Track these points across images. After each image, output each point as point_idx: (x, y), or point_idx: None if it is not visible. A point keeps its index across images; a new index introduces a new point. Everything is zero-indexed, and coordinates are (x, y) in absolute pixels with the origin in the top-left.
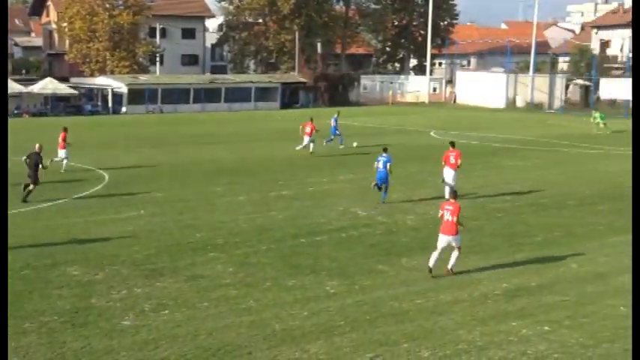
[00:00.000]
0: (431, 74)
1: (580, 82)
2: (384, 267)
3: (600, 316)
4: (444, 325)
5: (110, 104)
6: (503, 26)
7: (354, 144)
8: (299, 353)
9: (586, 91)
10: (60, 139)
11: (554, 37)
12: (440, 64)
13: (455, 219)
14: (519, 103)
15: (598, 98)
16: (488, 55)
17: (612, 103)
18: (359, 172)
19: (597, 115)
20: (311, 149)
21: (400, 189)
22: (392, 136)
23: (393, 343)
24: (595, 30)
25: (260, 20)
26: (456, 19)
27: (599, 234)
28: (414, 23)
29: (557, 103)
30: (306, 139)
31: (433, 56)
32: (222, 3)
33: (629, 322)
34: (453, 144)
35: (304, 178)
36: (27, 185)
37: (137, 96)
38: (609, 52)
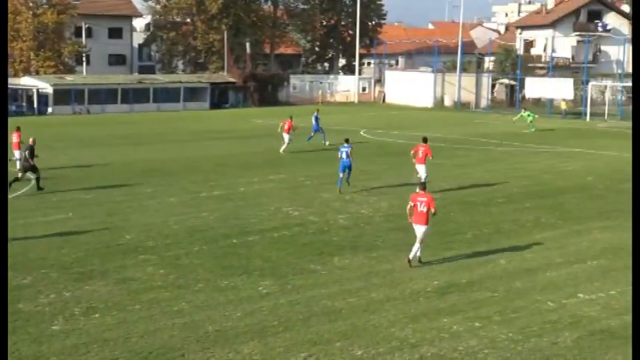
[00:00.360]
0: (360, 74)
1: (505, 81)
2: (317, 266)
3: (529, 311)
4: (377, 323)
5: (35, 105)
6: (430, 26)
7: (326, 143)
8: (232, 354)
9: (511, 90)
10: (15, 139)
11: (480, 37)
12: (368, 63)
13: (429, 209)
14: (447, 102)
15: (523, 97)
16: (416, 55)
17: (537, 101)
18: (290, 172)
19: (526, 114)
20: (282, 148)
21: (331, 188)
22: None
23: (326, 342)
24: (519, 30)
25: (188, 20)
26: (384, 19)
27: (527, 230)
28: (343, 23)
29: (483, 102)
30: (286, 136)
31: (362, 56)
32: (149, 2)
33: (557, 316)
34: (425, 140)
35: (235, 178)
36: (19, 178)
37: (63, 96)
38: (533, 51)
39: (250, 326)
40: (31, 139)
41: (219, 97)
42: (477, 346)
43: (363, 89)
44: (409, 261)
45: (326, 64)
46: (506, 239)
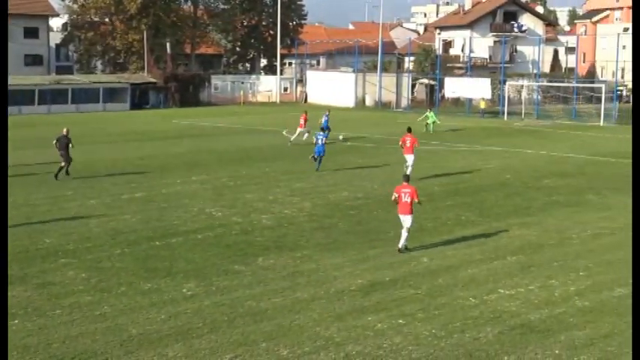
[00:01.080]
0: (281, 74)
1: (425, 81)
2: (241, 267)
3: (451, 308)
4: (302, 323)
5: None
6: (351, 27)
7: (340, 137)
8: (157, 357)
9: (431, 89)
10: None
11: (400, 37)
12: (290, 63)
13: (412, 200)
14: (368, 102)
15: (443, 96)
16: (337, 55)
17: (456, 101)
18: (212, 173)
19: (430, 114)
20: (292, 139)
21: (254, 188)
22: (245, 135)
23: (251, 343)
24: (438, 31)
25: (106, 19)
26: (305, 19)
27: (448, 228)
28: (264, 23)
29: (404, 102)
30: (300, 130)
31: (283, 56)
32: (66, 2)
33: (478, 311)
34: (409, 129)
35: (157, 179)
36: (62, 166)
37: None
38: (452, 52)
39: (175, 329)
40: (64, 130)
41: (140, 97)
42: (401, 343)
43: (285, 89)
44: (399, 250)
45: (247, 65)
46: (428, 237)
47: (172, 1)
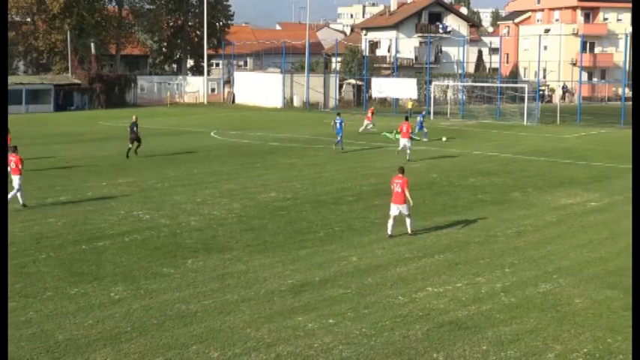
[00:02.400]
0: (208, 75)
1: (352, 81)
2: (170, 269)
3: (380, 306)
4: (232, 325)
5: None
6: (278, 27)
7: (443, 138)
8: None
9: (358, 90)
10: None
11: (327, 38)
12: (217, 64)
13: (404, 190)
14: (296, 102)
15: (370, 97)
16: (265, 56)
17: (383, 101)
18: (139, 175)
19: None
20: (362, 128)
21: (183, 190)
22: (172, 137)
23: (181, 346)
24: (364, 31)
25: (28, 19)
26: (231, 19)
27: (376, 227)
28: (190, 24)
29: (332, 102)
30: (366, 122)
31: (210, 57)
32: None
33: (407, 310)
34: (406, 118)
35: (83, 182)
36: (130, 147)
37: None
38: (378, 52)
39: (103, 333)
40: (134, 117)
41: (64, 99)
42: (331, 343)
43: (212, 90)
44: (391, 236)
45: (174, 65)
46: (357, 236)
47: (96, 1)
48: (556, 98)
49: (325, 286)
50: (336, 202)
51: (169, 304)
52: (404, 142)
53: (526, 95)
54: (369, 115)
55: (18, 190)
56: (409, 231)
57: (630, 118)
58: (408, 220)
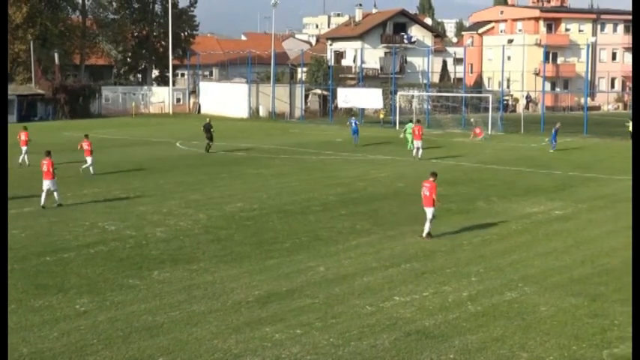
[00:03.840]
0: (174, 85)
1: (318, 91)
2: (136, 281)
3: (348, 316)
4: (199, 336)
5: None
6: (243, 37)
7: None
8: None
9: (324, 100)
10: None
11: (292, 48)
12: (182, 74)
13: (431, 194)
14: (262, 112)
15: (336, 107)
16: (230, 66)
17: (349, 111)
18: (104, 186)
19: (410, 126)
20: (418, 153)
21: (148, 201)
22: (138, 147)
23: (148, 358)
24: (329, 42)
25: None
26: (196, 30)
27: (343, 237)
28: (155, 34)
29: (298, 112)
30: (413, 140)
31: (175, 67)
32: None
33: (375, 319)
34: (418, 121)
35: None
36: (208, 145)
37: None
38: (344, 62)
39: (68, 346)
40: (207, 119)
41: (27, 109)
42: (299, 353)
43: (178, 100)
44: (426, 235)
45: (139, 76)
46: (324, 246)
47: (60, 11)
48: (520, 108)
49: (292, 296)
50: (302, 212)
51: (135, 315)
52: (417, 143)
53: (490, 105)
54: (417, 132)
55: (55, 191)
56: (424, 234)
57: (593, 127)
58: (427, 224)
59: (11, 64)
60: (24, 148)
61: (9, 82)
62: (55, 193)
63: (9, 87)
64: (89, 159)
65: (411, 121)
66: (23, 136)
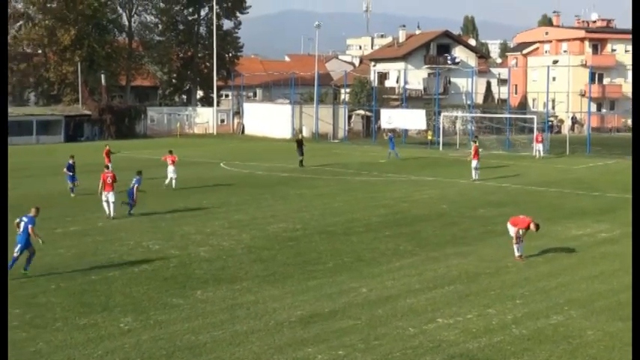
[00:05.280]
0: (218, 106)
1: (361, 112)
2: (179, 300)
3: (391, 338)
4: (242, 356)
5: None
6: (287, 59)
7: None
8: None
9: (367, 121)
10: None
11: (335, 69)
12: (226, 95)
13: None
14: (305, 133)
15: (379, 127)
16: (274, 87)
17: (392, 132)
18: (149, 206)
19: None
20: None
21: (192, 221)
22: (182, 167)
23: None
24: (373, 63)
25: (40, 51)
26: (241, 51)
27: (386, 258)
28: (199, 55)
29: (341, 133)
30: (474, 162)
31: (219, 88)
32: None
33: (418, 341)
34: (475, 140)
35: (93, 212)
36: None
37: None
38: (387, 83)
39: None
40: (300, 135)
41: (74, 129)
42: None
43: (222, 121)
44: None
45: (183, 96)
46: (367, 267)
47: (107, 33)
48: (565, 129)
49: (335, 317)
50: (345, 232)
51: (179, 334)
52: (475, 163)
53: (535, 126)
54: (474, 152)
55: (113, 203)
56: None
57: None
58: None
59: (59, 85)
60: (171, 168)
61: (57, 103)
62: (112, 205)
63: (57, 108)
64: (172, 172)
65: (474, 141)
66: (169, 160)
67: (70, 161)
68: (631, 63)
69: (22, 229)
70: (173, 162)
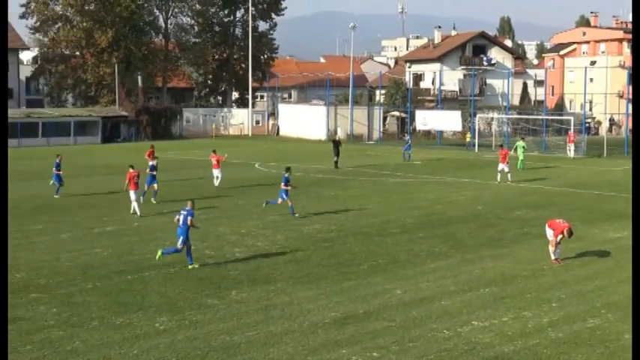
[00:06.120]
0: (253, 107)
1: (396, 113)
2: (214, 300)
3: (425, 340)
4: (276, 357)
5: None
6: (322, 60)
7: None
8: None
9: (402, 122)
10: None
11: (370, 70)
12: (262, 96)
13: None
14: (340, 134)
15: (414, 129)
16: (309, 88)
17: (427, 133)
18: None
19: (521, 144)
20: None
21: (227, 222)
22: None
23: None
24: (408, 64)
25: (77, 53)
26: (276, 53)
27: (421, 260)
28: (235, 57)
29: (375, 134)
30: (502, 165)
31: (255, 89)
32: (37, 35)
33: (453, 343)
34: (501, 145)
35: (128, 213)
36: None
37: None
38: (422, 85)
39: None
40: (337, 136)
41: (111, 130)
42: None
43: (257, 122)
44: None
45: (219, 98)
46: (402, 269)
47: (143, 35)
48: (602, 131)
49: (369, 318)
50: (380, 234)
51: (213, 335)
52: (502, 166)
53: (572, 128)
54: (503, 156)
55: (136, 201)
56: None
57: None
58: (554, 249)
59: (96, 86)
60: (216, 171)
61: (94, 105)
62: (136, 204)
63: (94, 109)
64: (217, 172)
65: (522, 139)
66: (214, 160)
67: (57, 160)
68: None
69: (181, 221)
70: (218, 162)
